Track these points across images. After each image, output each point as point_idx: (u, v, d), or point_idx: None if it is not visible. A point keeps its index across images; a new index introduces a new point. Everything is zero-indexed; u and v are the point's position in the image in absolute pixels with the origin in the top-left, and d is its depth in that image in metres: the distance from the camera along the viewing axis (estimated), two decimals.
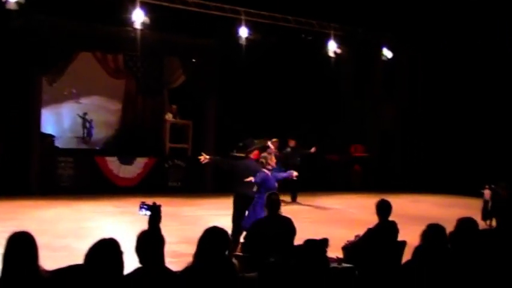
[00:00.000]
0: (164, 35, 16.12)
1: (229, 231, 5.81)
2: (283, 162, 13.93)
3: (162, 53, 17.64)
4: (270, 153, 8.76)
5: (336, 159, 19.58)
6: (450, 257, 4.82)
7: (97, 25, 15.01)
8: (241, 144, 9.47)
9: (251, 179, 8.26)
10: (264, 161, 8.35)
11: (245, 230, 7.56)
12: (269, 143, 11.63)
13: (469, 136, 18.97)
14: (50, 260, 4.16)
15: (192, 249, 4.22)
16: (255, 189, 8.22)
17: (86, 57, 16.89)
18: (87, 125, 17.75)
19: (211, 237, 4.15)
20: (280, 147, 14.90)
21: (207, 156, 9.07)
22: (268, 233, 6.01)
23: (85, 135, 17.74)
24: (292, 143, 15.91)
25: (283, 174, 9.26)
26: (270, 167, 8.31)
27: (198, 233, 4.19)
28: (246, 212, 8.22)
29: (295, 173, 9.10)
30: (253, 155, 9.05)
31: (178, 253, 7.04)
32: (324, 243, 4.57)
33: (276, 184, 8.24)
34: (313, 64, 18.86)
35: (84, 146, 17.42)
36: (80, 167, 15.65)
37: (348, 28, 18.17)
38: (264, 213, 6.76)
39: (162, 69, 18.36)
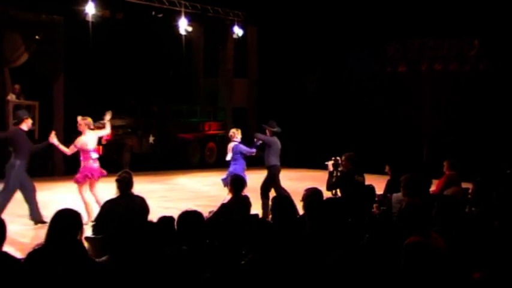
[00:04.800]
0: (2, 9, 15.09)
1: (84, 213, 5.64)
2: None
3: (1, 29, 16.45)
4: None
5: (190, 137, 19.54)
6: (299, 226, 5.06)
7: None
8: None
9: None
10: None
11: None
12: None
13: (319, 110, 19.82)
14: None
15: (39, 236, 4.02)
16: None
17: None
18: None
19: (61, 219, 3.99)
20: None
21: None
22: (120, 213, 5.89)
23: None
24: None
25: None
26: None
27: (47, 218, 4.00)
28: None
29: None
30: None
31: (23, 241, 6.68)
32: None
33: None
34: (164, 42, 18.67)
35: None
36: None
37: (198, 6, 18.16)
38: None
39: (2, 46, 17.13)
